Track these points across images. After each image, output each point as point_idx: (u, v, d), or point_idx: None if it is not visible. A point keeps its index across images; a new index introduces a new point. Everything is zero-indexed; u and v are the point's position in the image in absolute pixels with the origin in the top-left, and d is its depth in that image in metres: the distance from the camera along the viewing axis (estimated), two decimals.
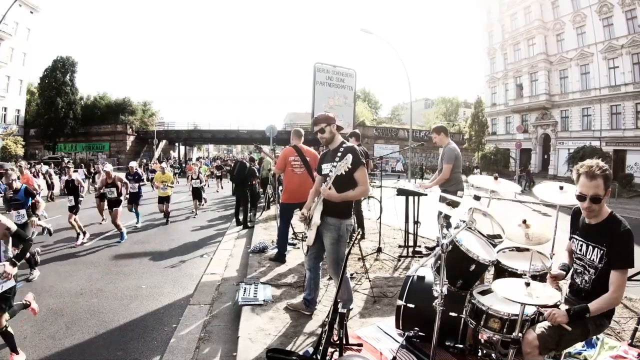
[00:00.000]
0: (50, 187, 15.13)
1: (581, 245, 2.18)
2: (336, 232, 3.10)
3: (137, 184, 8.77)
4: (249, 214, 8.82)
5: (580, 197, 2.06)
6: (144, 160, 30.54)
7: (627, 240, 1.97)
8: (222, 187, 19.28)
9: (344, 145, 3.13)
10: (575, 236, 2.23)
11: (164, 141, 42.63)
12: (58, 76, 34.56)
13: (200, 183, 10.92)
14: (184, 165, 31.41)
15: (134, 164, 9.29)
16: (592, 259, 2.10)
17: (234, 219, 8.93)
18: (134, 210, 8.78)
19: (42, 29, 40.88)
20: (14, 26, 30.09)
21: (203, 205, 12.39)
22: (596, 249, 2.08)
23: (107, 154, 37.24)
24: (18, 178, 5.49)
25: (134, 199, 8.74)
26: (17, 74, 32.24)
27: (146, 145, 39.75)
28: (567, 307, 2.05)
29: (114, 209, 7.20)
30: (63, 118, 34.67)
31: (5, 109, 32.12)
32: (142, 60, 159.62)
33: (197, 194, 10.96)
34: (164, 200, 9.20)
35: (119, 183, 7.36)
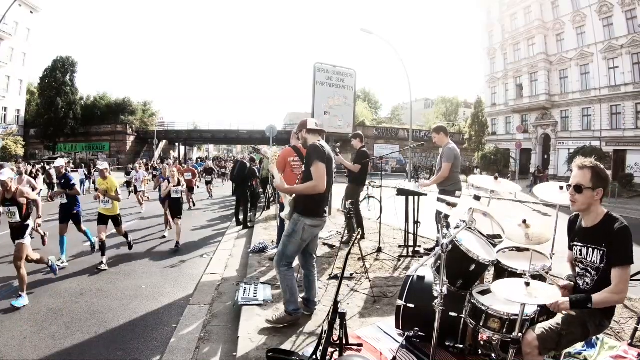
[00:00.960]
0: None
1: (580, 249, 2.17)
2: (292, 225, 3.19)
3: (69, 191, 5.81)
4: (249, 214, 8.83)
5: (568, 186, 2.15)
6: (144, 160, 30.47)
7: (625, 236, 1.97)
8: (210, 195, 15.44)
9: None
10: (575, 243, 2.23)
11: (164, 141, 42.65)
12: (58, 76, 34.62)
13: (181, 192, 7.31)
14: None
15: (61, 162, 6.29)
16: (592, 260, 2.09)
17: (234, 219, 8.94)
18: (82, 231, 6.06)
19: (42, 29, 41.02)
20: (14, 26, 30.12)
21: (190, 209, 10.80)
22: (596, 250, 2.07)
23: (107, 154, 37.27)
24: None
25: (66, 215, 5.84)
26: (17, 74, 32.29)
27: (146, 145, 39.79)
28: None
29: (17, 242, 4.29)
30: (63, 118, 34.71)
31: (5, 109, 32.16)
32: (142, 60, 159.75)
33: (175, 207, 7.15)
34: (104, 220, 5.69)
35: (23, 200, 4.38)
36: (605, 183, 2.06)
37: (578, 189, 2.06)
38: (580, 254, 2.17)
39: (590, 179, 2.03)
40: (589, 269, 2.12)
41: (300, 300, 3.53)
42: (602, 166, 2.08)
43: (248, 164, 9.17)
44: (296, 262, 3.44)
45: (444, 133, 5.14)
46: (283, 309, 3.26)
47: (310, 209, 3.15)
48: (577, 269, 2.22)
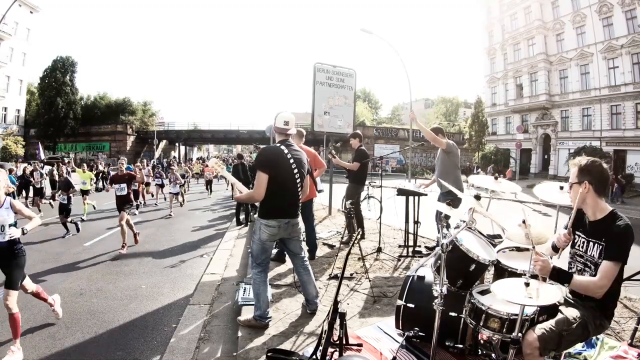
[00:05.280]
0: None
1: (583, 242, 2.20)
2: (254, 227, 3.38)
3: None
4: (250, 213, 8.83)
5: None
6: (144, 161, 30.21)
7: (625, 234, 1.98)
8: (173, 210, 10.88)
9: None
10: (579, 233, 2.25)
11: (164, 141, 42.32)
12: (58, 76, 34.57)
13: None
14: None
15: None
16: (592, 255, 2.11)
17: (234, 219, 8.94)
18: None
19: (42, 29, 41.03)
20: (14, 26, 30.07)
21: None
22: (596, 244, 2.09)
23: (107, 154, 37.26)
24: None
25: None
26: (17, 74, 32.21)
27: (146, 145, 39.74)
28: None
29: None
30: (63, 118, 34.68)
31: (5, 109, 32.10)
32: (142, 60, 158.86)
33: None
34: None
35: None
36: (590, 176, 2.10)
37: (570, 186, 2.22)
38: (582, 248, 2.20)
39: (576, 174, 2.15)
40: (589, 263, 2.14)
41: (251, 316, 3.33)
42: (590, 161, 2.15)
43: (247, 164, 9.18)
44: (289, 266, 3.44)
45: (441, 134, 5.18)
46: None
47: (264, 211, 3.23)
48: (577, 264, 2.24)
